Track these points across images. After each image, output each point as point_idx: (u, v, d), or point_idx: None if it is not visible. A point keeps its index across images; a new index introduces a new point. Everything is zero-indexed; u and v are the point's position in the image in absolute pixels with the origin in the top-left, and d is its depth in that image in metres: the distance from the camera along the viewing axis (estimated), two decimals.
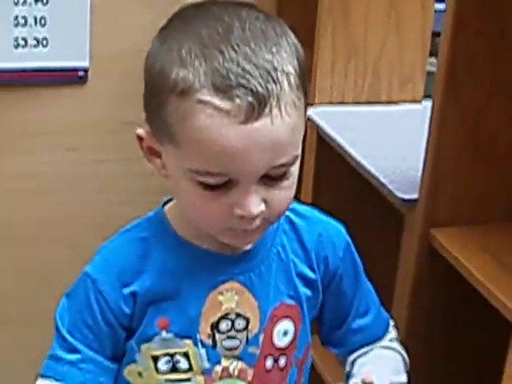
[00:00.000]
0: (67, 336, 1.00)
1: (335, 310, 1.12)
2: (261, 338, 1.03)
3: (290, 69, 0.90)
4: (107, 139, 1.80)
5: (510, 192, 1.24)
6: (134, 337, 1.02)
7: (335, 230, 1.10)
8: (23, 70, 1.73)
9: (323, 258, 1.08)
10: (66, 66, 1.75)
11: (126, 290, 0.99)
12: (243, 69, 0.85)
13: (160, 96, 0.91)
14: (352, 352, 1.15)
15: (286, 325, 1.05)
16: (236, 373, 1.03)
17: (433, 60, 1.61)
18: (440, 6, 1.54)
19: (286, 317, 1.06)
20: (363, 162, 1.41)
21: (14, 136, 1.80)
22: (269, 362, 1.05)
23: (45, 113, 1.80)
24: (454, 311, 1.29)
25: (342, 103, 1.63)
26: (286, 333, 1.06)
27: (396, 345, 1.16)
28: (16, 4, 1.70)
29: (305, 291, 1.06)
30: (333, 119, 1.60)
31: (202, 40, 0.88)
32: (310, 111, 1.59)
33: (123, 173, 1.84)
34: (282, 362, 1.06)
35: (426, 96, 1.62)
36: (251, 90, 0.85)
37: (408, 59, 1.64)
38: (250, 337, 1.03)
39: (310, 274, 1.06)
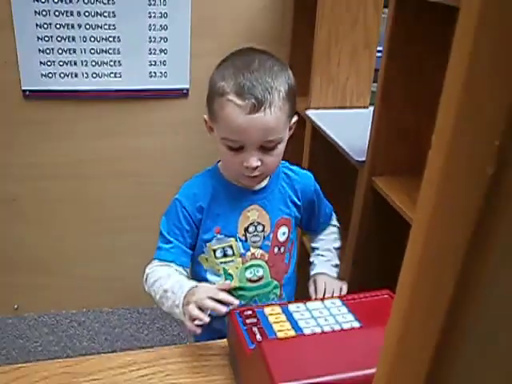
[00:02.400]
0: (167, 234, 1.17)
1: (312, 218, 1.32)
2: (271, 236, 1.21)
3: (281, 88, 1.06)
4: (196, 130, 2.04)
5: (412, 158, 1.41)
6: (201, 238, 1.17)
7: (308, 176, 1.28)
8: (153, 90, 2.04)
9: (301, 192, 1.25)
10: (176, 87, 2.04)
11: (197, 204, 1.16)
12: (253, 85, 1.03)
13: (212, 96, 1.10)
14: (318, 231, 1.33)
15: (284, 229, 1.23)
16: (259, 256, 1.20)
17: (375, 84, 1.61)
18: (379, 54, 1.62)
19: (284, 224, 1.23)
20: (338, 140, 1.61)
21: (142, 127, 2.14)
22: (276, 250, 1.22)
23: (162, 115, 2.12)
24: (384, 228, 1.49)
25: (325, 108, 1.88)
26: (283, 233, 1.23)
27: (336, 222, 1.35)
28: (149, 53, 2.01)
29: (294, 210, 1.25)
30: (321, 117, 1.83)
31: (236, 67, 1.06)
32: (308, 112, 1.87)
33: (201, 147, 2.13)
34: (282, 249, 1.24)
35: (371, 104, 1.80)
36: (255, 96, 1.02)
37: (361, 84, 1.93)
38: (265, 235, 1.20)
39: (297, 201, 1.25)
